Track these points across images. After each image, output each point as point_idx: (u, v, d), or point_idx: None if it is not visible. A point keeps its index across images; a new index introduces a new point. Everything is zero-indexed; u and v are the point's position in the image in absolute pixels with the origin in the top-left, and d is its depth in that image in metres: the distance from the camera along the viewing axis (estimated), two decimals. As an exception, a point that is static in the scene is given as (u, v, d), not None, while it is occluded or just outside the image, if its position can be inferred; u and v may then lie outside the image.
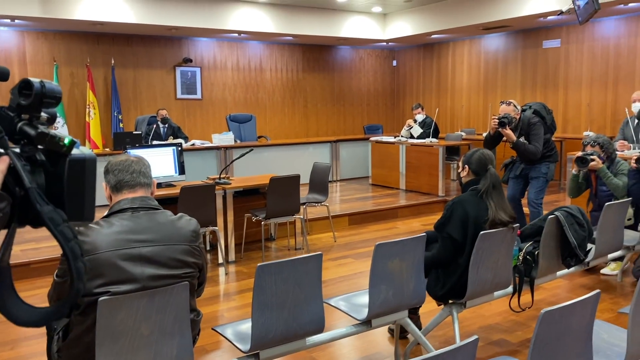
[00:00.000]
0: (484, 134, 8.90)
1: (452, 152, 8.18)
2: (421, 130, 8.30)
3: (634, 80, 8.45)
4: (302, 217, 5.33)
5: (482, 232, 2.71)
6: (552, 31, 9.54)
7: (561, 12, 7.29)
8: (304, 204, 5.53)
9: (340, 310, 2.70)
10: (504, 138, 5.26)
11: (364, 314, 2.60)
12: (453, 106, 11.45)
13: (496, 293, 3.04)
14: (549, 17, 8.51)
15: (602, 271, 4.56)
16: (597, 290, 1.89)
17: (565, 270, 3.37)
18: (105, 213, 2.03)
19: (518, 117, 5.18)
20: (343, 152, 9.40)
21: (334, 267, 4.95)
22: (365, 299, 2.84)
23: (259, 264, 2.19)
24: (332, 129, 11.99)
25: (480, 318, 3.70)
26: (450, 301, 2.91)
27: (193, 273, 2.06)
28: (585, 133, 8.23)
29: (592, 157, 4.33)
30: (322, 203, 5.69)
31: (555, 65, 9.58)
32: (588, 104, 8.96)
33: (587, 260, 3.38)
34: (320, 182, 5.80)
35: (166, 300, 1.96)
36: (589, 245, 3.30)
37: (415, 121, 8.44)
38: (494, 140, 5.31)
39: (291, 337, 2.36)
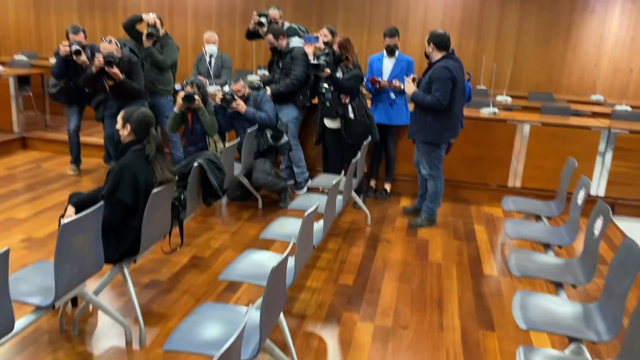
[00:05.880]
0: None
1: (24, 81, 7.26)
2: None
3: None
4: None
5: (153, 191, 2.81)
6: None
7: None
8: None
9: (28, 304, 2.37)
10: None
11: (49, 299, 2.38)
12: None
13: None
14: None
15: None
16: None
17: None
18: None
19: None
20: None
21: None
22: (34, 277, 2.58)
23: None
24: None
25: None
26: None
27: None
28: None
29: (195, 96, 4.81)
30: None
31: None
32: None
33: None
34: None
35: None
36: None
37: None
38: None
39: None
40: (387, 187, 5.82)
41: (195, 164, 3.48)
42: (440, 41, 4.49)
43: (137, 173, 2.82)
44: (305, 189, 5.73)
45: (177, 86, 6.02)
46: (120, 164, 2.82)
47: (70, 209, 2.95)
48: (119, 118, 2.94)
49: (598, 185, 5.57)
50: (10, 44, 9.89)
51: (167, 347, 2.14)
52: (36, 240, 4.11)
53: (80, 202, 2.96)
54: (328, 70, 4.90)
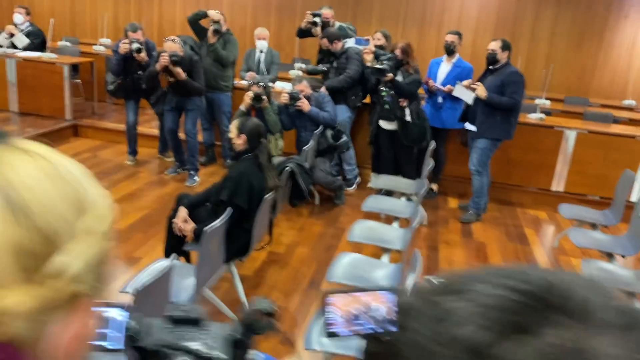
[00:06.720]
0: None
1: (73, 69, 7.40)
2: (28, 41, 7.12)
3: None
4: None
5: (265, 197, 3.02)
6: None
7: None
8: None
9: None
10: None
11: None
12: None
13: (254, 241, 3.45)
14: None
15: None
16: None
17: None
18: None
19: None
20: None
21: None
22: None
23: None
24: None
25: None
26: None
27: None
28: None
29: (263, 97, 5.01)
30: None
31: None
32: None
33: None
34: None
35: None
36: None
37: (18, 27, 7.13)
38: None
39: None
40: (434, 187, 6.02)
41: (288, 168, 3.69)
42: (510, 50, 4.85)
43: (252, 180, 3.03)
44: (354, 186, 5.94)
45: (235, 81, 6.19)
46: (237, 171, 3.02)
47: (183, 210, 3.15)
48: (233, 127, 3.13)
49: (639, 193, 5.80)
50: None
51: (308, 346, 2.36)
52: (118, 232, 4.30)
53: (191, 204, 3.16)
54: (391, 75, 5.08)
